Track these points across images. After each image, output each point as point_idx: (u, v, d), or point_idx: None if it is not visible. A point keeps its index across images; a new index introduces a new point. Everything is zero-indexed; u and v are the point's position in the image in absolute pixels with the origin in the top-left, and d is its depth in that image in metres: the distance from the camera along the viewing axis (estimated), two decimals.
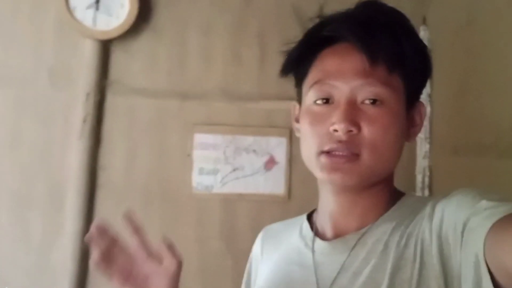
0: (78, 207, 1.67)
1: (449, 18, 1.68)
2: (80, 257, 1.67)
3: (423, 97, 1.75)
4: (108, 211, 1.73)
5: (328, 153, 0.69)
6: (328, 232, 0.76)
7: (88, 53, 1.71)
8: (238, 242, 1.78)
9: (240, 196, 1.80)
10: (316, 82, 0.72)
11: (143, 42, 1.80)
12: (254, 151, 1.81)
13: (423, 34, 1.81)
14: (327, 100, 0.71)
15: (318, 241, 0.76)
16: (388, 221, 0.71)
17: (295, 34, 2.06)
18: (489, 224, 0.53)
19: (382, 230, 0.70)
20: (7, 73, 1.71)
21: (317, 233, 0.78)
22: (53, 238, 1.69)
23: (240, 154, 1.80)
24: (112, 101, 1.76)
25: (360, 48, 0.69)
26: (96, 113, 1.72)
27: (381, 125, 0.69)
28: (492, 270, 0.53)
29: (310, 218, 0.84)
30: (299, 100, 0.79)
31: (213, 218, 1.78)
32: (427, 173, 1.75)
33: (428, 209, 0.67)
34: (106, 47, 1.74)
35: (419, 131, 0.77)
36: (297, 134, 0.79)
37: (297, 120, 0.80)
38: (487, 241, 0.53)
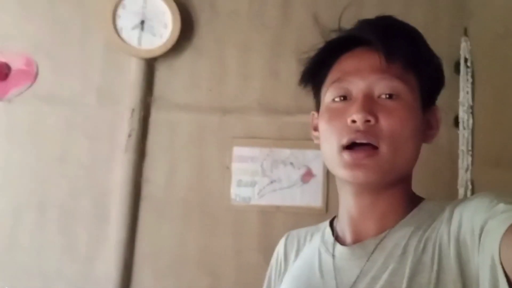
0: (122, 218, 1.75)
1: (489, 30, 1.66)
2: (123, 267, 1.74)
3: (465, 108, 1.74)
4: (151, 223, 1.80)
5: (349, 149, 0.70)
6: (348, 237, 0.78)
7: (134, 72, 1.80)
8: None
9: (277, 208, 1.82)
10: (334, 81, 0.75)
11: (185, 59, 1.88)
12: (291, 163, 1.84)
13: (464, 45, 1.79)
14: (345, 98, 0.74)
15: (338, 246, 0.78)
16: (406, 226, 0.72)
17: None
18: (504, 227, 0.54)
19: (400, 235, 0.71)
20: (58, 93, 1.83)
21: (337, 238, 0.80)
22: (97, 249, 1.77)
23: (277, 166, 1.84)
24: (155, 117, 1.84)
25: (377, 45, 0.72)
26: (141, 128, 1.80)
27: (398, 117, 0.70)
28: (508, 272, 0.53)
29: (332, 224, 0.86)
30: (317, 108, 0.82)
31: (251, 229, 1.81)
32: (469, 186, 1.71)
33: (446, 213, 0.68)
34: (150, 65, 1.84)
35: (435, 134, 0.79)
36: (316, 141, 0.82)
37: (315, 129, 0.83)
38: (502, 243, 0.53)
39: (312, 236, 0.88)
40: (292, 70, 1.89)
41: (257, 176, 1.83)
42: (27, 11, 1.86)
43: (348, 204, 0.78)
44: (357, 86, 0.72)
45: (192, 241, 1.80)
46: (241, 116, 1.86)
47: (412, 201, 0.76)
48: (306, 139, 1.86)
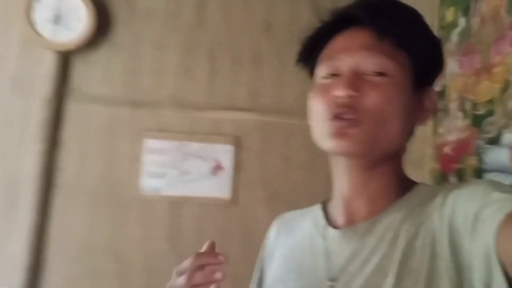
0: (33, 205, 1.79)
1: None
2: (33, 251, 1.79)
3: None
4: (62, 210, 1.85)
5: (335, 118, 0.70)
6: (340, 219, 0.77)
7: (48, 64, 1.85)
8: (183, 242, 1.89)
9: (186, 199, 1.91)
10: (324, 59, 0.75)
11: (101, 54, 1.95)
12: (201, 157, 1.94)
13: None
14: (334, 75, 0.73)
15: (330, 229, 0.77)
16: (398, 210, 0.71)
17: (244, 50, 2.21)
18: (500, 216, 0.54)
19: (392, 218, 0.70)
20: None
21: (329, 221, 0.79)
22: (8, 234, 1.80)
23: (188, 159, 1.93)
24: (70, 108, 1.90)
25: (367, 22, 0.71)
26: (54, 118, 1.86)
27: (384, 93, 0.69)
28: (503, 261, 0.53)
29: (324, 207, 0.84)
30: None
31: (160, 219, 1.90)
32: None
33: (439, 199, 0.67)
34: (65, 58, 1.89)
35: (429, 116, 0.78)
36: (310, 123, 0.80)
37: None
38: (498, 233, 0.53)
39: (304, 218, 0.86)
40: (204, 68, 2.00)
41: (167, 168, 1.91)
42: None
43: (340, 182, 0.77)
44: (345, 63, 0.72)
45: (101, 228, 1.86)
46: (154, 110, 1.94)
47: (404, 184, 0.75)
48: (216, 134, 1.96)
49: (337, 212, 0.78)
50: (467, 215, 0.60)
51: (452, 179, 1.36)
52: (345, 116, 0.69)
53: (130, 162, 1.91)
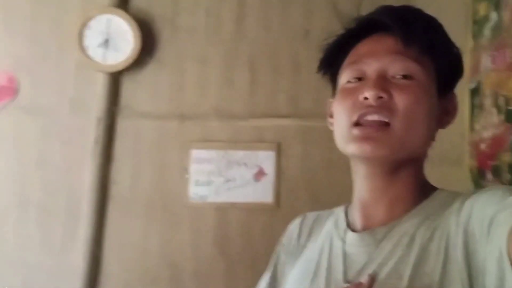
0: (92, 216, 1.95)
1: None
2: (93, 260, 1.93)
3: None
4: (118, 220, 1.99)
5: (359, 125, 0.69)
6: (358, 223, 0.78)
7: (100, 84, 2.01)
8: (230, 247, 1.97)
9: (232, 205, 1.99)
10: (349, 64, 0.75)
11: (148, 72, 2.08)
12: (245, 164, 2.01)
13: None
14: (360, 79, 0.73)
15: (349, 232, 0.78)
16: (417, 215, 0.71)
17: (283, 58, 2.26)
18: None
19: (410, 224, 0.70)
20: (36, 104, 2.05)
21: (349, 224, 0.80)
22: (71, 243, 1.96)
23: (232, 167, 2.01)
24: (121, 124, 2.05)
25: (394, 29, 0.71)
26: (107, 135, 2.01)
27: (412, 95, 0.69)
28: None
29: (347, 209, 0.85)
30: (334, 96, 0.81)
31: (208, 225, 1.99)
32: None
33: (457, 204, 0.67)
34: (115, 78, 2.04)
35: (452, 121, 0.78)
36: (331, 128, 0.80)
37: (331, 116, 0.81)
38: (510, 236, 0.53)
39: (326, 220, 0.87)
40: (245, 78, 2.08)
41: (213, 176, 2.01)
42: (9, 31, 2.09)
43: (360, 187, 0.77)
44: (371, 67, 0.72)
45: (155, 236, 1.98)
46: (199, 121, 2.05)
47: (424, 190, 0.75)
48: (258, 141, 2.03)
49: (356, 215, 0.79)
50: (483, 219, 0.59)
51: (489, 176, 1.34)
52: (372, 116, 0.69)
53: (179, 172, 2.02)
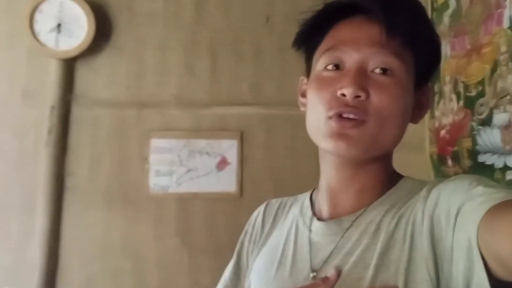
0: (47, 209, 1.87)
1: None
2: (50, 254, 1.86)
3: None
4: (76, 212, 1.92)
5: (337, 116, 0.68)
6: (325, 211, 0.77)
7: (54, 72, 1.92)
8: (193, 237, 1.93)
9: (194, 195, 1.96)
10: (328, 49, 0.72)
11: (104, 58, 2.00)
12: (207, 153, 1.97)
13: None
14: (337, 66, 0.71)
15: (315, 221, 0.77)
16: (383, 203, 0.71)
17: (245, 45, 2.22)
18: (483, 210, 0.54)
19: (376, 212, 0.71)
20: None
21: (315, 212, 0.80)
22: (27, 238, 1.88)
23: (194, 156, 1.97)
24: (77, 113, 1.96)
25: (378, 16, 0.69)
26: (62, 124, 1.92)
27: (390, 94, 0.68)
28: (485, 255, 0.53)
29: (311, 197, 0.84)
30: (308, 74, 0.79)
31: (170, 216, 1.94)
32: None
33: (423, 192, 0.68)
34: (70, 65, 1.95)
35: (424, 114, 0.77)
36: (302, 109, 0.79)
37: (303, 95, 0.79)
38: (480, 227, 0.53)
39: (290, 207, 0.86)
40: (206, 65, 2.03)
41: (174, 166, 1.96)
42: None
43: (328, 175, 0.76)
44: (351, 57, 0.69)
45: (115, 228, 1.92)
46: (159, 110, 1.99)
47: (391, 178, 0.75)
48: (220, 130, 2.00)
49: (322, 203, 0.78)
50: (449, 208, 0.60)
51: (449, 162, 1.36)
52: (348, 115, 0.67)
53: (139, 162, 1.96)
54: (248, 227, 0.93)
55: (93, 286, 1.88)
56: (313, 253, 0.74)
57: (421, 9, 0.73)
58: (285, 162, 1.99)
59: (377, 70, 0.68)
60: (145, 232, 1.93)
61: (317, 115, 0.71)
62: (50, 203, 1.88)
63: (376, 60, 0.68)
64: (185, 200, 1.96)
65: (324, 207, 0.77)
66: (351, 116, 0.67)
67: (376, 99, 0.67)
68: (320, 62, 0.73)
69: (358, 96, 0.67)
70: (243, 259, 0.91)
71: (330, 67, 0.71)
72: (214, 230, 1.93)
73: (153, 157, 1.96)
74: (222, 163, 1.97)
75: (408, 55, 0.70)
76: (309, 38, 0.77)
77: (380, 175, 0.74)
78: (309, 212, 0.80)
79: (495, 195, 0.55)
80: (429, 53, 0.73)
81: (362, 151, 0.69)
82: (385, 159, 0.75)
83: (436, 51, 0.75)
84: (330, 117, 0.68)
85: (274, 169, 1.99)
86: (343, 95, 0.67)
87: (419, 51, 0.71)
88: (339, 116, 0.68)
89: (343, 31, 0.72)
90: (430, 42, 0.73)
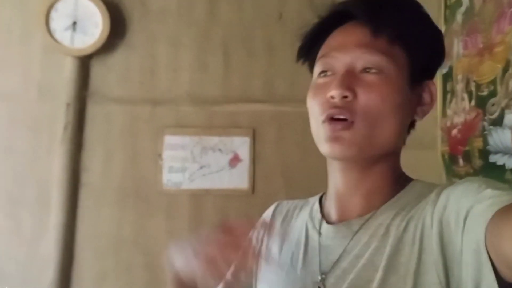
0: (62, 204, 1.90)
1: None
2: (65, 248, 1.89)
3: None
4: (90, 207, 1.95)
5: (328, 119, 0.70)
6: (333, 215, 0.78)
7: (69, 69, 1.95)
8: None
9: (207, 191, 1.97)
10: (321, 57, 0.75)
11: (118, 56, 2.02)
12: (220, 150, 1.99)
13: None
14: (330, 72, 0.73)
15: (324, 224, 0.78)
16: (392, 207, 0.72)
17: (257, 41, 2.22)
18: (491, 212, 0.54)
19: (385, 215, 0.71)
20: (2, 90, 1.97)
21: (324, 215, 0.80)
22: (41, 232, 1.92)
23: (207, 153, 1.98)
24: (91, 110, 1.99)
25: (364, 19, 0.71)
26: (77, 120, 1.95)
27: (377, 93, 0.69)
28: (493, 258, 0.53)
29: (321, 200, 0.85)
30: None
31: (182, 212, 1.97)
32: None
33: (433, 195, 0.67)
34: (85, 62, 1.98)
35: (429, 110, 0.77)
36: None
37: None
38: (488, 229, 0.53)
39: (301, 209, 0.87)
40: (219, 62, 2.04)
41: (187, 163, 1.98)
42: None
43: (335, 180, 0.77)
44: (339, 62, 0.72)
45: (128, 224, 1.95)
46: (172, 107, 2.01)
47: (400, 181, 0.75)
48: (233, 127, 2.01)
49: (331, 207, 0.79)
50: (459, 211, 0.60)
51: (460, 161, 1.35)
52: (338, 116, 0.69)
53: (152, 159, 1.98)
54: (257, 224, 0.91)
55: (106, 280, 1.91)
56: (322, 256, 0.74)
57: (414, 7, 0.74)
58: (297, 159, 1.99)
59: (365, 70, 0.70)
60: (158, 227, 1.95)
61: (315, 121, 0.74)
62: (65, 199, 1.91)
63: (363, 60, 0.70)
64: (197, 196, 1.98)
65: (332, 211, 0.78)
66: (341, 116, 0.69)
67: (364, 98, 0.69)
68: (315, 70, 0.76)
69: (346, 97, 0.69)
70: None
71: (323, 74, 0.74)
72: None
73: (166, 154, 1.98)
74: (235, 160, 1.99)
75: (398, 52, 0.71)
76: (309, 50, 0.80)
77: (388, 177, 0.74)
78: (318, 215, 0.81)
79: (504, 198, 0.55)
80: (424, 48, 0.73)
81: (356, 152, 0.70)
82: (390, 160, 0.75)
83: (433, 46, 0.75)
84: (323, 121, 0.71)
85: (286, 166, 1.99)
86: (332, 97, 0.70)
87: (410, 47, 0.71)
88: (330, 119, 0.70)
89: (334, 39, 0.75)
90: (424, 37, 0.73)
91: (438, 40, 0.77)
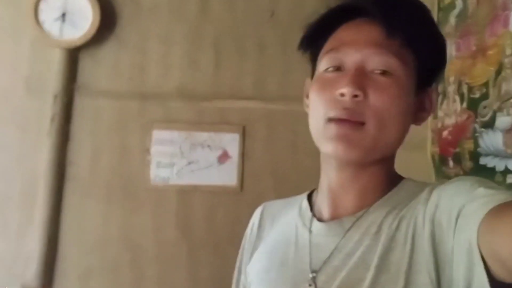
0: (48, 198, 1.87)
1: None
2: (49, 244, 1.86)
3: None
4: (76, 202, 1.92)
5: (336, 120, 0.68)
6: (325, 212, 0.77)
7: (57, 61, 1.91)
8: (193, 230, 1.94)
9: (195, 188, 1.96)
10: (329, 51, 0.73)
11: (108, 50, 1.99)
12: (209, 146, 1.97)
13: None
14: (338, 68, 0.71)
15: (315, 222, 0.77)
16: (384, 205, 0.71)
17: (249, 39, 2.21)
18: (483, 211, 0.54)
19: (377, 213, 0.71)
20: None
21: (315, 213, 0.79)
22: (27, 227, 1.88)
23: (195, 149, 1.97)
24: (79, 103, 1.96)
25: (378, 17, 0.69)
26: (64, 113, 1.92)
27: (388, 95, 0.68)
28: (485, 257, 0.53)
29: (310, 197, 0.84)
30: (312, 76, 0.80)
31: (170, 208, 1.95)
32: None
33: (424, 194, 0.68)
34: (73, 55, 1.95)
35: (427, 116, 0.77)
36: (306, 110, 0.79)
37: (308, 96, 0.79)
38: (480, 228, 0.53)
39: (289, 208, 0.86)
40: (210, 59, 2.03)
41: (175, 158, 1.96)
42: None
43: (329, 176, 0.76)
44: (350, 58, 0.70)
45: (115, 219, 1.93)
46: (161, 102, 1.99)
47: (393, 180, 0.75)
48: (222, 123, 2.00)
49: (323, 204, 0.78)
50: (451, 210, 0.59)
51: (451, 163, 1.36)
52: (347, 118, 0.67)
53: (140, 154, 1.96)
54: (247, 230, 0.93)
55: (91, 276, 1.89)
56: (313, 254, 0.73)
57: (424, 11, 0.73)
58: (286, 157, 1.99)
59: (377, 71, 0.68)
60: (145, 223, 1.93)
61: (317, 117, 0.71)
62: (51, 193, 1.88)
63: (375, 61, 0.68)
64: (185, 192, 1.96)
65: (324, 208, 0.77)
66: (351, 118, 0.67)
67: (374, 99, 0.67)
68: (322, 64, 0.74)
69: (356, 96, 0.67)
70: (243, 263, 0.91)
71: (331, 69, 0.72)
72: (214, 223, 1.94)
73: (154, 149, 1.96)
74: (224, 157, 1.98)
75: (409, 56, 0.70)
76: (314, 40, 0.78)
77: (382, 177, 0.74)
78: (308, 213, 0.80)
79: (496, 197, 0.55)
80: (432, 54, 0.72)
81: (362, 154, 0.69)
82: (387, 161, 0.74)
83: (439, 52, 0.75)
84: (329, 120, 0.69)
85: (275, 164, 1.99)
86: (342, 94, 0.68)
87: (420, 52, 0.70)
88: (339, 119, 0.68)
89: (344, 33, 0.73)
90: (432, 43, 0.72)
91: (443, 46, 0.76)
